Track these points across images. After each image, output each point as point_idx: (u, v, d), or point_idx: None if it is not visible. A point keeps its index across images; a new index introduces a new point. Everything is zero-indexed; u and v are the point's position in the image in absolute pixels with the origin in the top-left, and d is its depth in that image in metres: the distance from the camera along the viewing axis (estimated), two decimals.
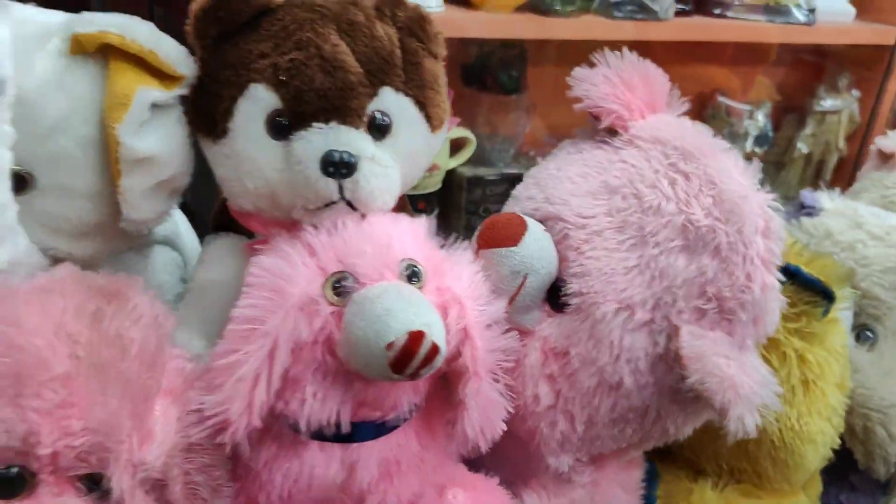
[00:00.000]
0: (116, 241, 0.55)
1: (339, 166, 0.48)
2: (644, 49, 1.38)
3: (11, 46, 0.43)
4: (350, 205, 0.50)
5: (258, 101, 0.50)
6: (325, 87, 0.49)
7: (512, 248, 0.53)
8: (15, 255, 0.47)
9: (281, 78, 0.50)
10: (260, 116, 0.51)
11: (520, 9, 1.13)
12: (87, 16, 0.49)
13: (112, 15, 0.50)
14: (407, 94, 0.53)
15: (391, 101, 0.52)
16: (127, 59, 0.49)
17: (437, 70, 0.56)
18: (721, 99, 1.33)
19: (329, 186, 0.49)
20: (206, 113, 0.52)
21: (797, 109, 1.42)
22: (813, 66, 1.45)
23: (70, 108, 0.49)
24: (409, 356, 0.44)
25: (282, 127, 0.50)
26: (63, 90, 0.48)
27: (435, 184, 0.98)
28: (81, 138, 0.49)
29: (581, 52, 1.42)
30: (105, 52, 0.49)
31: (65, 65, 0.49)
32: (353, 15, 0.52)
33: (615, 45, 1.41)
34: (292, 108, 0.50)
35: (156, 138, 0.50)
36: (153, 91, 0.49)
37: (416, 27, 0.55)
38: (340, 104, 0.50)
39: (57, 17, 0.51)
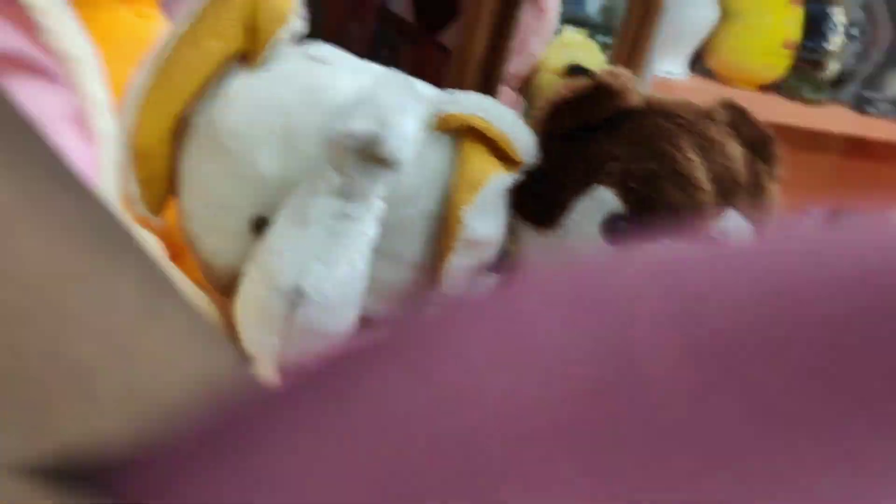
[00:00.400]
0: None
1: None
2: (862, 145, 1.29)
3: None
4: None
5: (601, 203, 0.50)
6: (677, 202, 0.48)
7: None
8: (355, 318, 0.48)
9: (631, 186, 0.49)
10: (597, 217, 0.50)
11: (765, 88, 1.09)
12: (455, 96, 0.50)
13: (475, 96, 0.50)
14: (749, 219, 0.51)
15: (734, 224, 0.50)
16: (481, 141, 0.49)
17: (777, 195, 0.53)
18: None
19: None
20: (541, 202, 0.51)
21: None
22: None
23: (422, 182, 0.49)
24: None
25: (620, 232, 0.49)
26: (420, 164, 0.49)
27: None
28: (424, 211, 0.50)
29: (802, 139, 1.35)
30: (460, 131, 0.50)
31: (424, 139, 0.49)
32: (708, 129, 0.50)
33: (835, 138, 1.32)
34: (637, 216, 0.49)
35: (492, 222, 0.50)
36: (505, 177, 0.49)
37: (762, 148, 0.52)
38: (689, 221, 0.48)
39: None
